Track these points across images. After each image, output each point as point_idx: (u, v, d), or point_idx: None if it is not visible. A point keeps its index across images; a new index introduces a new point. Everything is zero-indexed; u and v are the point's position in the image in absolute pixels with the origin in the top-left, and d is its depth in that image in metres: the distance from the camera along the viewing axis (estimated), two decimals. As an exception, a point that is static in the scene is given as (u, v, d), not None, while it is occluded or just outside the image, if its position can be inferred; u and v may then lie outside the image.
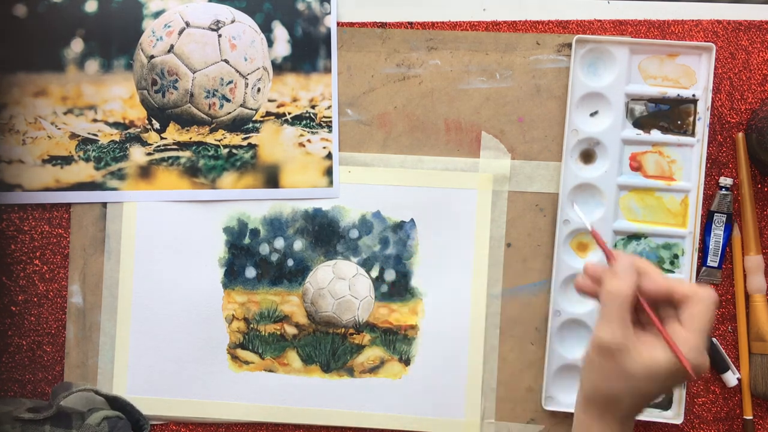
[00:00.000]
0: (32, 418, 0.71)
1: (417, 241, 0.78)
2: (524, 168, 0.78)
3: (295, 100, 0.78)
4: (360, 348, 0.79)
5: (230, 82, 0.78)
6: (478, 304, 0.78)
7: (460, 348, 0.78)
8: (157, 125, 0.78)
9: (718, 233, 0.78)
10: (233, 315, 0.79)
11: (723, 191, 0.77)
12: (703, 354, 0.54)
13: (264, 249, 0.79)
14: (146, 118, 0.78)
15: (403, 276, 0.78)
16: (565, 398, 0.78)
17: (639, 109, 0.77)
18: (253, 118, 0.78)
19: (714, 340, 0.78)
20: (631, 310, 0.56)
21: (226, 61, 0.78)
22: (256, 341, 0.79)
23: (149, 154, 0.78)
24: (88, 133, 0.78)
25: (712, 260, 0.78)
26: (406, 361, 0.79)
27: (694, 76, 0.77)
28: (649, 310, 0.56)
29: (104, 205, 0.79)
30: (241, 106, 0.78)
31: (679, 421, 0.77)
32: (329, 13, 0.78)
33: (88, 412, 0.74)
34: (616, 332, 0.55)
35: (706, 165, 0.78)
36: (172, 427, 0.79)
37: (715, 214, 0.77)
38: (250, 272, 0.79)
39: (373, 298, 0.78)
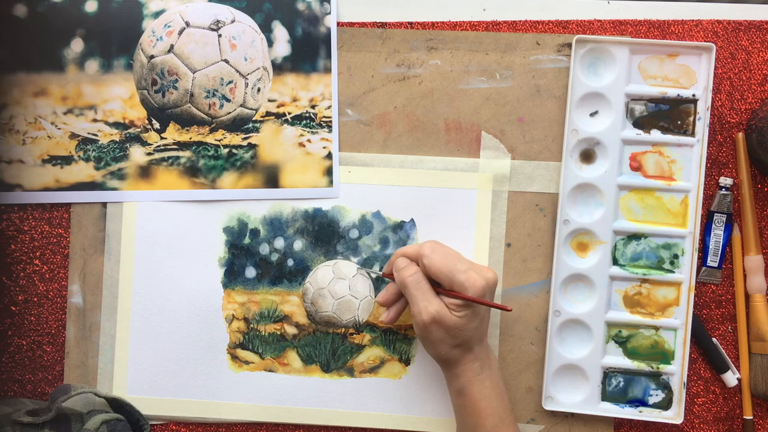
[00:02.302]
0: (31, 421, 0.71)
1: (417, 241, 0.78)
2: (524, 168, 0.78)
3: (295, 100, 0.78)
4: (360, 348, 0.79)
5: (230, 82, 0.78)
6: (478, 304, 0.78)
7: (460, 348, 0.78)
8: (157, 125, 0.78)
9: (718, 233, 0.78)
10: (233, 315, 0.79)
11: (723, 191, 0.77)
12: (468, 282, 0.68)
13: (264, 249, 0.79)
14: (146, 118, 0.78)
15: (403, 276, 0.78)
16: (565, 398, 0.78)
17: (639, 109, 0.77)
18: (253, 118, 0.78)
19: (714, 340, 0.78)
20: (428, 283, 0.70)
21: (226, 61, 0.78)
22: (256, 341, 0.79)
23: (149, 154, 0.78)
24: (88, 133, 0.78)
25: (712, 260, 0.78)
26: (406, 361, 0.79)
27: (694, 76, 0.77)
28: (437, 288, 0.71)
29: (104, 205, 0.79)
30: (241, 106, 0.78)
31: (679, 421, 0.77)
32: (329, 13, 0.78)
33: (87, 414, 0.74)
34: (433, 301, 0.69)
35: (706, 165, 0.78)
36: (172, 427, 0.79)
37: (715, 214, 0.78)
38: (250, 272, 0.79)
39: (373, 298, 0.78)
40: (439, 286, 0.71)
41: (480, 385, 0.70)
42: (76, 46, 0.78)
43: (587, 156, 0.78)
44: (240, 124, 0.78)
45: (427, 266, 0.70)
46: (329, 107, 0.78)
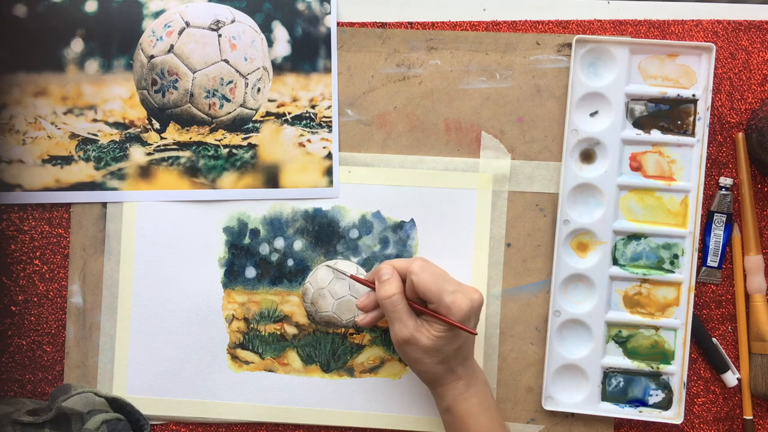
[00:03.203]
0: (32, 421, 0.71)
1: (417, 241, 0.78)
2: (524, 168, 0.78)
3: (295, 100, 0.78)
4: (360, 348, 0.79)
5: (230, 82, 0.78)
6: (478, 304, 0.78)
7: (460, 348, 0.78)
8: (157, 125, 0.78)
9: (718, 233, 0.78)
10: (233, 315, 0.79)
11: (723, 191, 0.77)
12: (454, 305, 0.68)
13: (264, 249, 0.79)
14: (146, 118, 0.78)
15: (403, 276, 0.78)
16: (565, 398, 0.78)
17: (639, 109, 0.77)
18: (253, 118, 0.78)
19: (714, 340, 0.78)
20: (406, 304, 0.70)
21: (226, 61, 0.78)
22: (256, 341, 0.79)
23: (149, 154, 0.78)
24: (88, 133, 0.78)
25: (712, 260, 0.78)
26: (406, 361, 0.79)
27: (694, 76, 0.77)
28: (417, 305, 0.70)
29: (104, 205, 0.79)
30: (241, 106, 0.78)
31: (679, 421, 0.77)
32: (329, 13, 0.78)
33: (87, 414, 0.74)
34: (408, 324, 0.69)
35: (706, 165, 0.78)
36: (172, 427, 0.79)
37: (715, 214, 0.77)
38: (250, 272, 0.79)
39: (373, 298, 0.78)
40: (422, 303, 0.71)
41: (466, 403, 0.70)
42: (76, 46, 0.78)
43: (587, 156, 0.78)
44: (240, 124, 0.78)
45: (416, 283, 0.69)
46: (329, 107, 0.78)
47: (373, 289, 0.73)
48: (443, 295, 0.68)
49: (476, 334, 0.69)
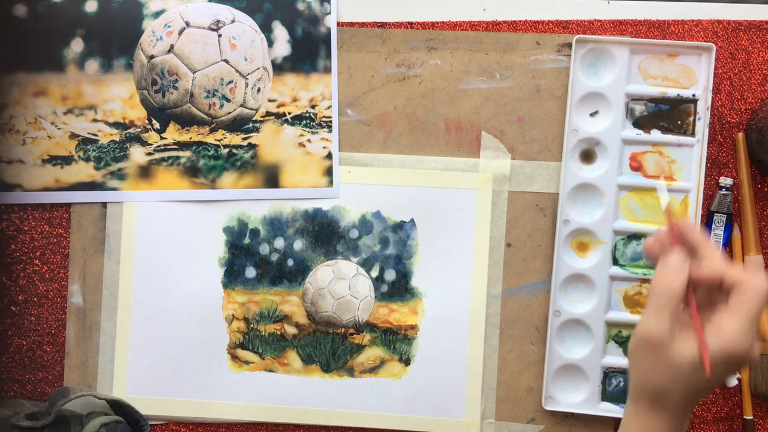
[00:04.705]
0: (30, 426, 0.71)
1: (417, 241, 0.78)
2: (524, 168, 0.78)
3: (295, 100, 0.78)
4: (360, 348, 0.79)
5: (230, 82, 0.78)
6: (478, 304, 0.78)
7: (460, 348, 0.78)
8: (157, 125, 0.78)
9: (718, 233, 0.78)
10: (233, 315, 0.79)
11: (723, 191, 0.77)
12: (746, 340, 0.53)
13: (264, 249, 0.79)
14: (146, 118, 0.78)
15: (403, 276, 0.78)
16: (565, 398, 0.78)
17: (639, 109, 0.77)
18: (253, 118, 0.78)
19: (714, 340, 0.78)
20: (679, 302, 0.55)
21: (226, 61, 0.78)
22: (256, 341, 0.79)
23: (149, 154, 0.78)
24: (88, 133, 0.78)
25: (712, 260, 0.78)
26: (406, 361, 0.79)
27: (694, 76, 0.77)
28: (693, 305, 0.56)
29: (104, 205, 0.79)
30: (241, 106, 0.78)
31: (679, 421, 0.77)
32: (329, 13, 0.78)
33: (86, 416, 0.74)
34: (663, 323, 0.54)
35: (706, 165, 0.78)
36: (172, 427, 0.79)
37: (715, 214, 0.77)
38: (250, 272, 0.79)
39: (373, 298, 0.78)
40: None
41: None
42: (76, 46, 0.78)
43: (587, 156, 0.78)
44: (240, 124, 0.78)
45: (745, 289, 0.53)
46: (329, 107, 0.78)
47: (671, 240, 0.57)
48: (750, 324, 0.53)
49: (709, 376, 0.53)
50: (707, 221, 0.78)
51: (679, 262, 0.56)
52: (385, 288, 0.78)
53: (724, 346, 0.53)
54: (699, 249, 0.56)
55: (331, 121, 0.78)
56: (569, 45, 0.78)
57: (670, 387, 0.55)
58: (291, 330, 0.79)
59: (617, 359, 0.77)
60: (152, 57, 0.78)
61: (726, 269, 0.55)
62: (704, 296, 0.57)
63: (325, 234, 0.79)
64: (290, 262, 0.79)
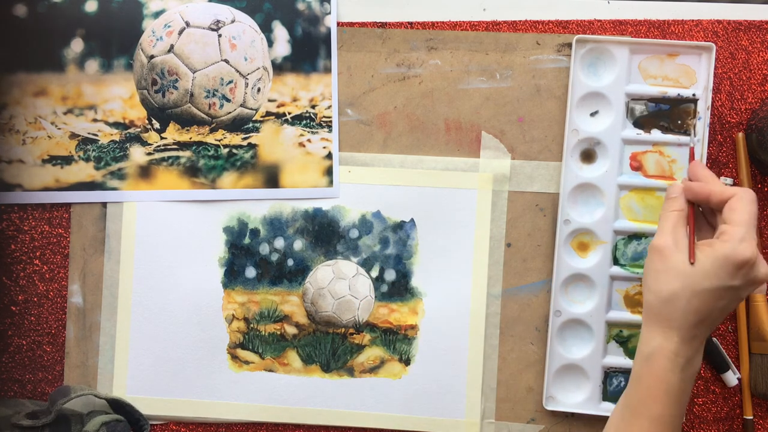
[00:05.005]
0: (31, 425, 0.71)
1: (417, 241, 0.78)
2: (524, 168, 0.78)
3: (295, 100, 0.78)
4: (360, 348, 0.79)
5: (230, 82, 0.78)
6: (478, 304, 0.78)
7: (460, 348, 0.78)
8: (157, 125, 0.78)
9: (718, 233, 0.78)
10: (233, 315, 0.79)
11: (723, 191, 0.77)
12: (743, 245, 0.61)
13: (264, 249, 0.79)
14: (146, 118, 0.78)
15: (403, 276, 0.78)
16: (565, 398, 0.78)
17: (639, 108, 0.77)
18: (253, 118, 0.78)
19: (714, 339, 0.78)
20: (679, 220, 0.65)
21: (226, 61, 0.78)
22: (256, 341, 0.79)
23: (149, 154, 0.78)
24: (88, 133, 0.78)
25: (713, 260, 0.78)
26: (406, 361, 0.79)
27: (694, 75, 0.77)
28: (691, 214, 0.67)
29: (104, 205, 0.79)
30: (241, 106, 0.78)
31: (679, 421, 0.77)
32: (329, 13, 0.78)
33: (87, 415, 0.74)
34: (666, 236, 0.64)
35: (707, 165, 0.78)
36: (172, 427, 0.79)
37: (716, 213, 0.77)
38: (250, 272, 0.79)
39: (373, 298, 0.78)
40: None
41: (687, 370, 0.63)
42: (76, 46, 0.78)
43: (587, 156, 0.78)
44: (240, 124, 0.78)
45: (736, 200, 0.63)
46: (329, 107, 0.78)
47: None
48: (742, 228, 0.62)
49: (692, 262, 0.63)
50: (707, 221, 0.78)
51: (677, 189, 0.67)
52: (385, 288, 0.78)
53: (725, 251, 0.62)
54: (699, 177, 0.67)
55: (331, 121, 0.78)
56: (569, 45, 0.78)
57: (678, 292, 0.62)
58: (291, 330, 0.79)
59: (618, 359, 0.77)
60: (152, 57, 0.78)
61: (713, 188, 0.66)
62: (712, 217, 0.67)
63: (325, 234, 0.79)
64: (290, 262, 0.79)
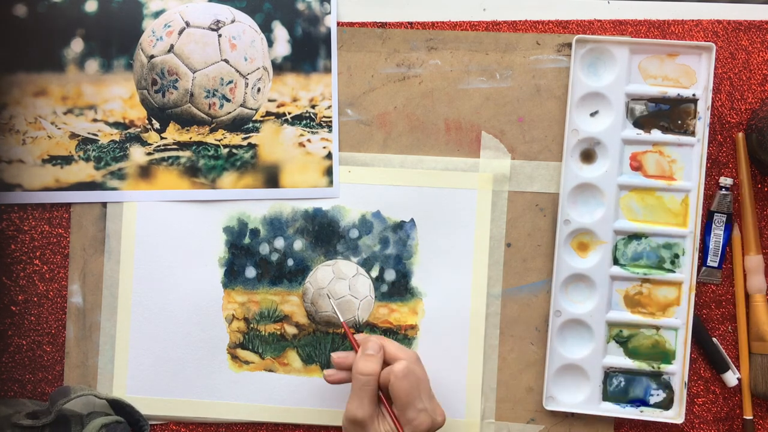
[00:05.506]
0: (31, 424, 0.71)
1: (417, 241, 0.78)
2: (524, 168, 0.78)
3: (295, 100, 0.78)
4: (360, 348, 0.78)
5: (230, 82, 0.78)
6: (478, 304, 0.78)
7: (460, 348, 0.78)
8: (157, 125, 0.78)
9: (718, 233, 0.78)
10: (233, 315, 0.79)
11: (723, 191, 0.77)
12: (414, 422, 0.68)
13: (264, 249, 0.79)
14: (146, 118, 0.78)
15: (403, 276, 0.78)
16: (565, 398, 0.78)
17: (639, 108, 0.77)
18: (253, 118, 0.78)
19: (714, 339, 0.78)
20: (376, 385, 0.69)
21: (226, 61, 0.78)
22: (256, 341, 0.79)
23: (149, 154, 0.78)
24: (88, 133, 0.78)
25: (712, 260, 0.78)
26: (407, 361, 0.78)
27: (694, 75, 0.77)
28: (384, 402, 0.70)
29: (104, 205, 0.79)
30: (241, 106, 0.78)
31: (680, 420, 0.77)
32: (329, 13, 0.78)
33: (87, 416, 0.74)
34: (366, 408, 0.68)
35: (707, 165, 0.78)
36: (172, 427, 0.79)
37: (715, 214, 0.78)
38: (250, 272, 0.79)
39: (373, 298, 0.78)
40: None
41: None
42: (76, 46, 0.78)
43: (587, 156, 0.78)
44: (240, 124, 0.78)
45: (392, 386, 0.68)
46: (329, 107, 0.78)
47: (352, 340, 0.73)
48: (408, 409, 0.68)
49: None
50: (707, 221, 0.78)
51: (376, 348, 0.70)
52: (385, 288, 0.78)
53: (416, 430, 0.68)
54: (389, 359, 0.71)
55: (331, 121, 0.78)
56: (569, 45, 0.78)
57: None
58: (291, 330, 0.79)
59: (618, 359, 0.77)
60: (152, 57, 0.78)
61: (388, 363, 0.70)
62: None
63: (325, 234, 0.79)
64: (290, 262, 0.79)
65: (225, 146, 0.78)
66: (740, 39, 0.78)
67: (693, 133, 0.77)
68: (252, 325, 0.79)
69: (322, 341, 0.79)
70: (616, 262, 0.78)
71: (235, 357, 0.79)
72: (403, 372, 0.68)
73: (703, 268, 0.78)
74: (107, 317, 0.79)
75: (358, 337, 0.74)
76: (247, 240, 0.79)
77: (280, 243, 0.79)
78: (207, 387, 0.79)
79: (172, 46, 0.78)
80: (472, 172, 0.78)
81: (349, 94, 0.79)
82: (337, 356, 0.72)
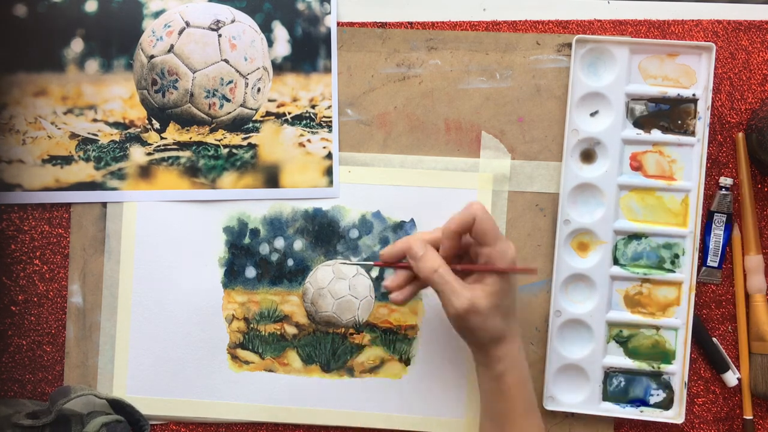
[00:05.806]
0: (31, 424, 0.71)
1: (417, 241, 0.78)
2: (524, 168, 0.78)
3: (295, 100, 0.78)
4: (360, 348, 0.79)
5: (230, 82, 0.78)
6: (479, 304, 0.78)
7: (460, 348, 0.78)
8: (157, 125, 0.78)
9: (718, 233, 0.78)
10: (233, 315, 0.79)
11: (723, 191, 0.77)
12: (508, 250, 0.66)
13: (264, 249, 0.79)
14: (146, 118, 0.78)
15: (403, 276, 0.78)
16: (565, 398, 0.78)
17: (639, 108, 0.77)
18: (253, 118, 0.78)
19: (714, 339, 0.78)
20: (452, 272, 0.67)
21: (226, 61, 0.78)
22: (256, 341, 0.79)
23: (149, 154, 0.78)
24: (88, 133, 0.78)
25: (712, 260, 0.78)
26: (406, 361, 0.78)
27: (694, 75, 0.77)
28: (466, 265, 0.69)
29: (104, 205, 0.79)
30: (241, 106, 0.78)
31: (680, 420, 0.77)
32: (329, 13, 0.78)
33: (87, 416, 0.74)
34: (464, 294, 0.66)
35: (706, 165, 0.78)
36: (172, 427, 0.79)
37: (715, 214, 0.77)
38: (250, 272, 0.79)
39: (373, 298, 0.78)
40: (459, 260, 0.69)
41: (520, 367, 0.68)
42: (76, 46, 0.78)
43: (587, 156, 0.78)
44: (240, 124, 0.78)
45: (478, 223, 0.66)
46: (329, 107, 0.78)
47: (401, 267, 0.71)
48: (499, 240, 0.66)
49: (536, 271, 0.69)
50: (707, 221, 0.78)
51: (421, 245, 0.68)
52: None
53: (512, 254, 0.67)
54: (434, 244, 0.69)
55: (331, 121, 0.78)
56: (569, 45, 0.78)
57: (499, 319, 0.67)
58: (291, 330, 0.79)
59: (618, 359, 0.77)
60: (152, 57, 0.78)
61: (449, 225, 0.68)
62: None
63: (325, 234, 0.79)
64: (290, 262, 0.79)
65: (225, 146, 0.78)
66: (740, 39, 0.78)
67: (693, 133, 0.77)
68: (252, 325, 0.79)
69: (322, 341, 0.79)
70: (616, 262, 0.78)
71: (235, 357, 0.79)
72: (482, 208, 0.67)
73: (703, 268, 0.78)
74: (107, 317, 0.79)
75: (386, 250, 0.71)
76: (247, 240, 0.79)
77: (280, 243, 0.79)
78: (207, 387, 0.79)
79: (172, 46, 0.78)
80: (472, 172, 0.78)
81: (349, 94, 0.79)
82: (389, 281, 0.71)
